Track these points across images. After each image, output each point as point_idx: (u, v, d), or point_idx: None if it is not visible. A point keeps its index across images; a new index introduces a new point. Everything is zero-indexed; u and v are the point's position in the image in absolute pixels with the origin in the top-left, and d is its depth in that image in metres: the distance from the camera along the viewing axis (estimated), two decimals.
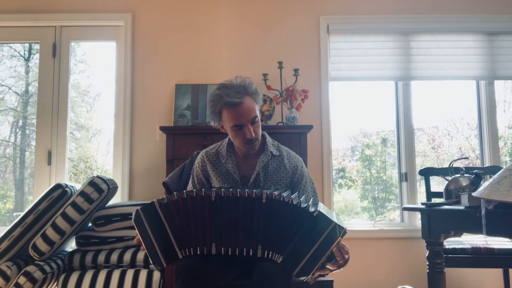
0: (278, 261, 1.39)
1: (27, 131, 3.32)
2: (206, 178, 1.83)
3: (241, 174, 1.78)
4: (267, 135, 1.85)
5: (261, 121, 1.79)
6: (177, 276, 1.48)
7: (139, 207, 1.45)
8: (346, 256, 1.43)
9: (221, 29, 3.19)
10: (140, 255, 2.38)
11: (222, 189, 1.44)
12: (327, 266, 1.43)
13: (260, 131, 1.74)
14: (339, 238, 1.35)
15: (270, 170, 1.77)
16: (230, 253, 1.43)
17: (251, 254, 1.42)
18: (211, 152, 1.84)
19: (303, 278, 1.37)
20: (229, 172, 1.78)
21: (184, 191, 1.46)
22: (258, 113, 1.71)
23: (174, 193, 1.45)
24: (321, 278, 1.91)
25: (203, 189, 1.44)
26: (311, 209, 1.38)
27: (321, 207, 1.44)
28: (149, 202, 1.45)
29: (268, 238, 1.41)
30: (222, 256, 1.45)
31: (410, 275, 3.00)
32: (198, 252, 1.43)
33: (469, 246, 2.34)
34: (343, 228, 1.35)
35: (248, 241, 1.42)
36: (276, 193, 1.43)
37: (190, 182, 1.89)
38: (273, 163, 1.79)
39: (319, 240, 1.35)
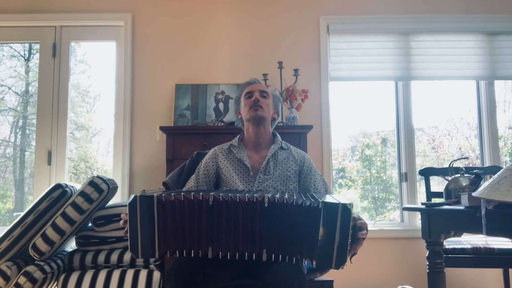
0: (313, 265, 1.39)
1: (27, 131, 3.32)
2: (215, 171, 1.89)
3: (251, 165, 1.86)
4: (278, 134, 1.99)
5: (274, 118, 1.97)
6: (168, 276, 1.49)
7: (138, 194, 1.46)
8: (362, 223, 1.48)
9: (221, 29, 3.19)
10: None
11: (221, 194, 1.44)
12: (353, 251, 1.46)
13: (268, 109, 1.89)
14: (352, 214, 1.38)
15: (280, 159, 1.88)
16: (229, 258, 1.42)
17: (254, 258, 1.41)
18: (223, 147, 1.96)
19: (342, 266, 1.39)
20: (240, 161, 1.87)
21: (182, 193, 1.45)
22: (270, 93, 1.93)
23: (172, 194, 1.45)
24: (322, 278, 1.92)
25: (201, 193, 1.44)
26: (315, 204, 1.39)
27: (321, 197, 1.47)
28: (150, 194, 1.46)
29: (274, 242, 1.41)
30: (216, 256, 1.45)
31: (410, 275, 3.00)
32: (193, 255, 1.43)
33: (469, 246, 2.34)
34: (350, 204, 1.38)
35: (251, 246, 1.42)
36: (277, 196, 1.43)
37: (193, 176, 1.91)
38: (282, 154, 1.91)
39: (337, 226, 1.37)
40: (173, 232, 1.43)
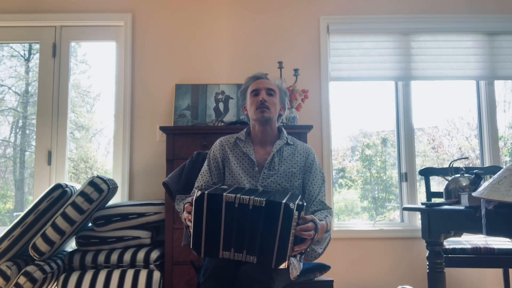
0: (254, 262, 1.42)
1: (27, 131, 3.32)
2: (223, 161, 1.88)
3: (257, 160, 1.86)
4: (283, 129, 1.97)
5: (280, 114, 1.94)
6: (207, 277, 1.50)
7: (207, 191, 1.45)
8: (309, 226, 1.48)
9: (221, 29, 3.19)
10: (140, 255, 2.38)
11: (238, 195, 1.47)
12: (297, 249, 1.48)
13: (274, 108, 1.86)
14: (296, 213, 1.40)
15: (285, 155, 1.87)
16: (235, 259, 1.46)
17: (245, 260, 1.46)
18: (229, 139, 1.94)
19: (283, 265, 1.41)
20: (246, 155, 1.86)
21: (235, 195, 1.46)
22: (276, 91, 1.89)
23: (237, 196, 1.46)
24: (322, 278, 1.92)
25: (250, 196, 1.45)
26: (261, 203, 1.43)
27: (273, 195, 1.49)
28: (218, 192, 1.46)
29: (250, 243, 1.45)
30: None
31: (410, 275, 3.00)
32: (229, 257, 1.47)
33: (469, 246, 2.34)
34: (294, 203, 1.40)
35: (242, 247, 1.46)
36: (251, 197, 1.46)
37: (205, 170, 1.90)
38: (288, 150, 1.89)
39: (279, 224, 1.40)
40: (236, 234, 1.45)
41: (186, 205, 1.58)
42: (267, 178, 1.81)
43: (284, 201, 1.42)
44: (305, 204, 1.50)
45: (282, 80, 2.02)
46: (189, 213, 1.52)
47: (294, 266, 1.68)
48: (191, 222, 1.46)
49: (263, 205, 1.42)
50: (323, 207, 1.82)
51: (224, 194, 1.45)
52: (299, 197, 1.56)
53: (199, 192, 1.44)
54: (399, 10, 3.22)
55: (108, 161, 3.31)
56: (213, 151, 1.91)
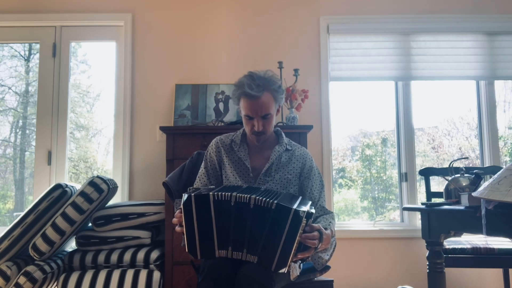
0: (254, 261, 1.42)
1: (27, 131, 3.32)
2: (219, 163, 1.85)
3: (252, 165, 1.82)
4: (283, 132, 1.92)
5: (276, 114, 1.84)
6: (205, 277, 1.49)
7: (193, 193, 1.44)
8: (316, 234, 1.47)
9: (221, 29, 3.19)
10: (140, 255, 2.38)
11: (255, 196, 1.46)
12: (300, 256, 1.47)
13: (270, 127, 1.78)
14: (304, 220, 1.39)
15: (283, 161, 1.83)
16: (234, 258, 1.46)
17: (243, 259, 1.46)
18: (225, 140, 1.88)
19: (283, 270, 1.41)
20: (240, 160, 1.82)
21: (230, 193, 1.45)
22: (272, 110, 1.74)
23: (230, 193, 1.45)
24: (321, 278, 1.92)
25: (251, 195, 1.45)
26: (268, 204, 1.42)
27: (283, 198, 1.48)
28: (205, 192, 1.45)
29: (251, 243, 1.45)
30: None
31: (410, 275, 3.00)
32: (226, 256, 1.47)
33: (469, 246, 2.34)
34: (304, 211, 1.39)
35: (241, 246, 1.46)
36: (253, 196, 1.45)
37: (202, 172, 1.87)
38: (286, 156, 1.85)
39: (285, 229, 1.39)
40: (234, 232, 1.45)
41: (176, 214, 1.57)
42: (262, 184, 1.79)
43: (294, 207, 1.40)
44: (314, 212, 1.48)
45: (277, 78, 1.78)
46: (180, 223, 1.53)
47: (294, 267, 1.68)
48: (182, 226, 1.47)
49: (272, 207, 1.41)
50: (325, 212, 1.80)
51: (211, 193, 1.44)
52: (309, 204, 1.54)
53: (186, 196, 1.44)
54: (399, 10, 3.22)
55: (108, 161, 3.31)
56: (209, 153, 1.88)
